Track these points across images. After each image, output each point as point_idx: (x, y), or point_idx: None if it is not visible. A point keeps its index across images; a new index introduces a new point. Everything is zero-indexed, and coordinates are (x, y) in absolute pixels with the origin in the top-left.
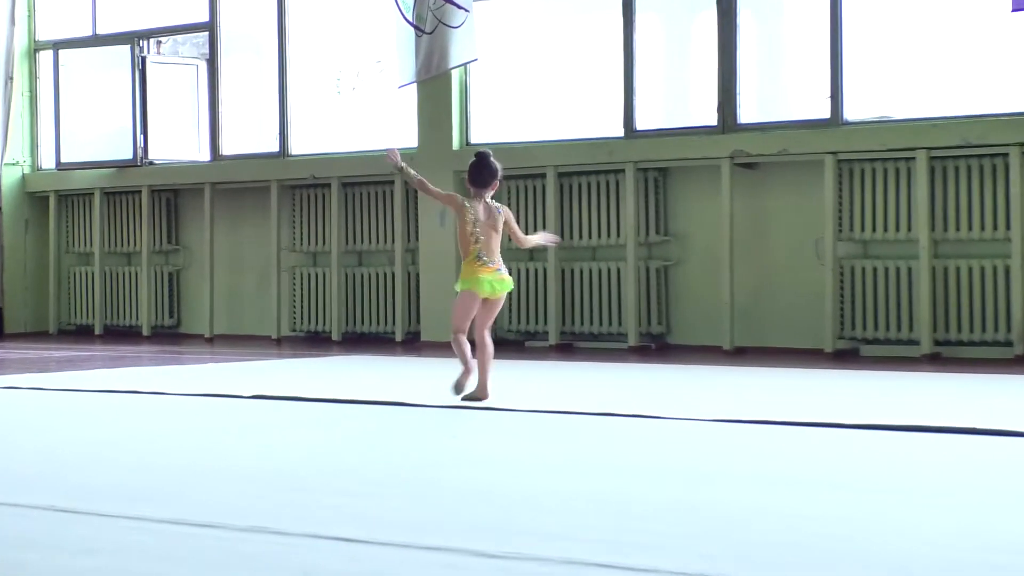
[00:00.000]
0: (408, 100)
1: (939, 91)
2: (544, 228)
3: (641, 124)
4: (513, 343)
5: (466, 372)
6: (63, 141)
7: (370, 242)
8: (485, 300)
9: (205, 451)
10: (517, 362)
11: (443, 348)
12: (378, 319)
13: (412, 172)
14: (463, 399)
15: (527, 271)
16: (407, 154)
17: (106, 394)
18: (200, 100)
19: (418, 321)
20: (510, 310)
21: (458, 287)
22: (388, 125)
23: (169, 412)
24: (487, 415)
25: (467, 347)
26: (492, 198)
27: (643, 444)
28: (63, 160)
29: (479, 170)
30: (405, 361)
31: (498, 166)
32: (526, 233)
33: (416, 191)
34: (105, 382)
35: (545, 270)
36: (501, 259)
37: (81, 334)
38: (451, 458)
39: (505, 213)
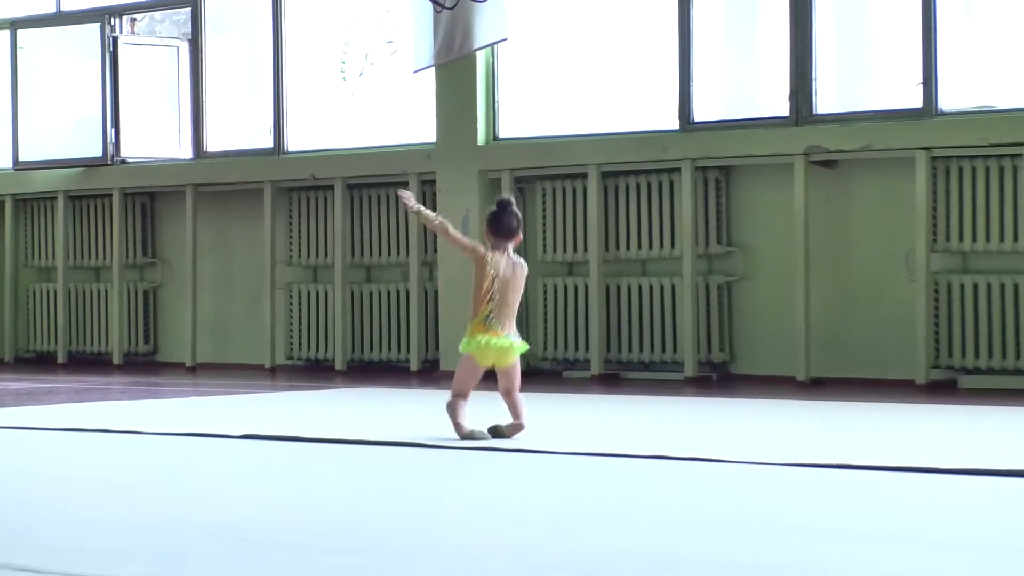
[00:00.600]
0: (425, 87)
1: None
2: (586, 235)
3: (700, 115)
4: (549, 373)
5: (458, 428)
6: (21, 136)
7: (380, 254)
8: (497, 366)
9: (188, 501)
10: (553, 396)
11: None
12: (390, 345)
13: (430, 214)
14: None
15: (565, 288)
16: (423, 150)
17: (71, 433)
18: (181, 88)
19: (437, 347)
20: (544, 334)
21: (461, 348)
22: (401, 117)
23: (145, 454)
24: (517, 458)
25: (463, 411)
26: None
27: (704, 493)
28: (21, 158)
29: (501, 219)
30: (421, 394)
31: (519, 214)
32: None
33: (428, 228)
34: (70, 419)
35: (587, 287)
36: (514, 323)
37: (42, 363)
38: (477, 511)
39: (525, 269)
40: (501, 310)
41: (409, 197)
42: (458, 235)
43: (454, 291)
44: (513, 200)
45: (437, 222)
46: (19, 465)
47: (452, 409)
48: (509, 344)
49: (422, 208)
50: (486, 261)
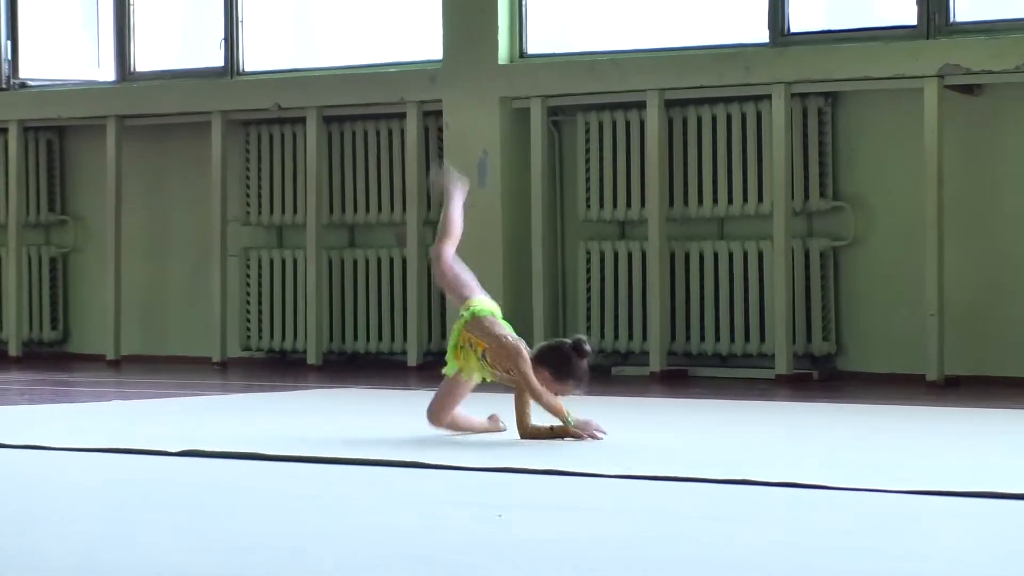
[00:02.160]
0: None
1: None
2: (643, 185)
3: (797, 24)
4: (594, 370)
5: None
6: None
7: (368, 210)
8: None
9: (110, 541)
10: (600, 400)
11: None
12: (380, 332)
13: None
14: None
15: (615, 256)
16: (426, 70)
17: None
18: None
19: (443, 335)
20: (587, 318)
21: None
22: (396, 24)
23: (52, 477)
24: (548, 482)
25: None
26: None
27: (804, 525)
28: None
29: (575, 363)
30: (421, 396)
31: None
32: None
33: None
34: None
35: (644, 254)
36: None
37: None
38: (500, 557)
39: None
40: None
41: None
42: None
43: (469, 257)
44: (586, 341)
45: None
46: None
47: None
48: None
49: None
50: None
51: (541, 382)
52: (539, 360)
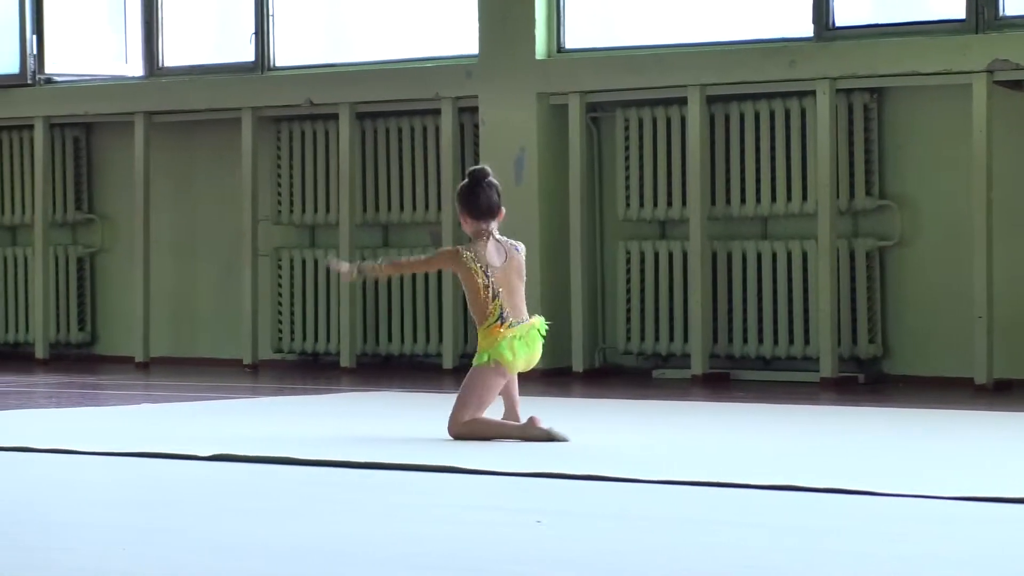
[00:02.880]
0: None
1: None
2: (684, 184)
3: (843, 18)
4: (633, 373)
5: (514, 426)
6: None
7: (402, 209)
8: (526, 366)
9: (138, 546)
10: (639, 403)
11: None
12: (415, 333)
13: (372, 264)
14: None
15: (655, 256)
16: (461, 65)
17: None
18: None
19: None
20: (627, 319)
21: (480, 360)
22: (431, 18)
23: (79, 481)
24: (586, 487)
25: (485, 423)
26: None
27: (851, 532)
28: None
29: (479, 194)
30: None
31: (499, 185)
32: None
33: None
34: None
35: (685, 254)
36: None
37: None
38: (541, 565)
39: (522, 250)
40: (513, 302)
41: (339, 265)
42: (416, 258)
43: None
44: (488, 169)
45: (386, 265)
46: None
47: (475, 428)
48: (540, 324)
49: (358, 264)
50: (463, 259)
51: (465, 223)
52: (460, 210)
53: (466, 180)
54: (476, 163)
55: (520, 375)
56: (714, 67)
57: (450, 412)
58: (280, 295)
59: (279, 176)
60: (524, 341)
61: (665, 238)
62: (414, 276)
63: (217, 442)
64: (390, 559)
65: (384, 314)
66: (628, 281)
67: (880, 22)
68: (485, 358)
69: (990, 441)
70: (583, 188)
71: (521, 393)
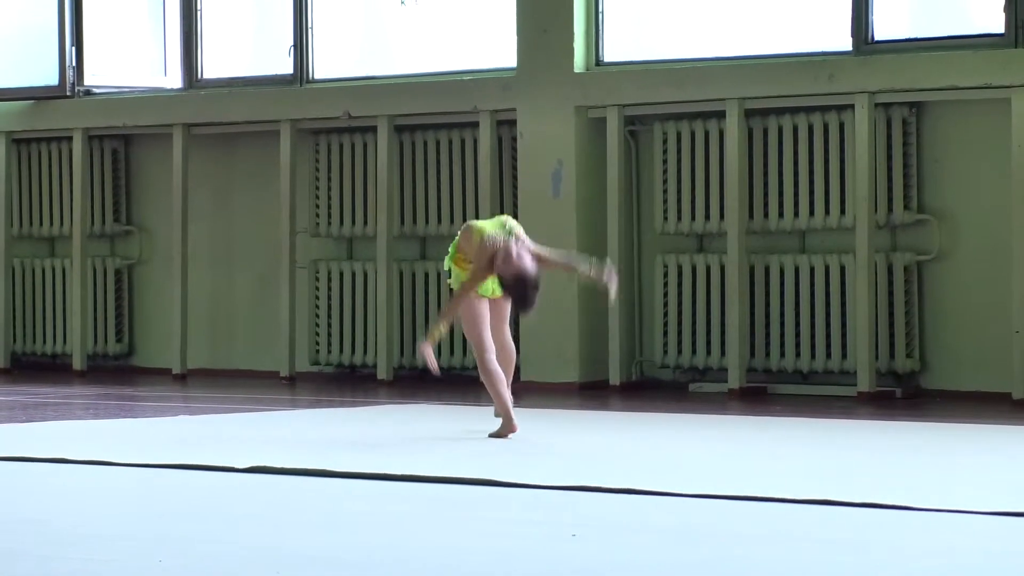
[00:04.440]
0: None
1: None
2: (723, 197)
3: (881, 32)
4: (670, 387)
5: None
6: None
7: (439, 221)
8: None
9: (176, 557)
10: (676, 417)
11: (555, 392)
12: (452, 346)
13: (434, 329)
14: (491, 436)
15: (693, 270)
16: (499, 78)
17: (16, 464)
18: None
19: (517, 349)
20: (664, 332)
21: (453, 283)
22: (469, 31)
23: (117, 494)
24: (621, 501)
25: (502, 380)
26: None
27: (888, 547)
28: None
29: (527, 296)
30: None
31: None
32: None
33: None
34: (14, 445)
35: (723, 268)
36: None
37: None
38: None
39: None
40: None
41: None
42: (454, 303)
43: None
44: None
45: (439, 323)
46: None
47: (492, 378)
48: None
49: (428, 342)
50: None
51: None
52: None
53: (526, 287)
54: (515, 176)
55: (555, 388)
56: (753, 81)
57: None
58: (317, 307)
59: (317, 188)
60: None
61: (703, 252)
62: (452, 288)
63: (254, 454)
64: (427, 571)
65: (421, 326)
66: (665, 295)
67: (919, 36)
68: (458, 278)
69: None
70: (621, 201)
71: (559, 407)
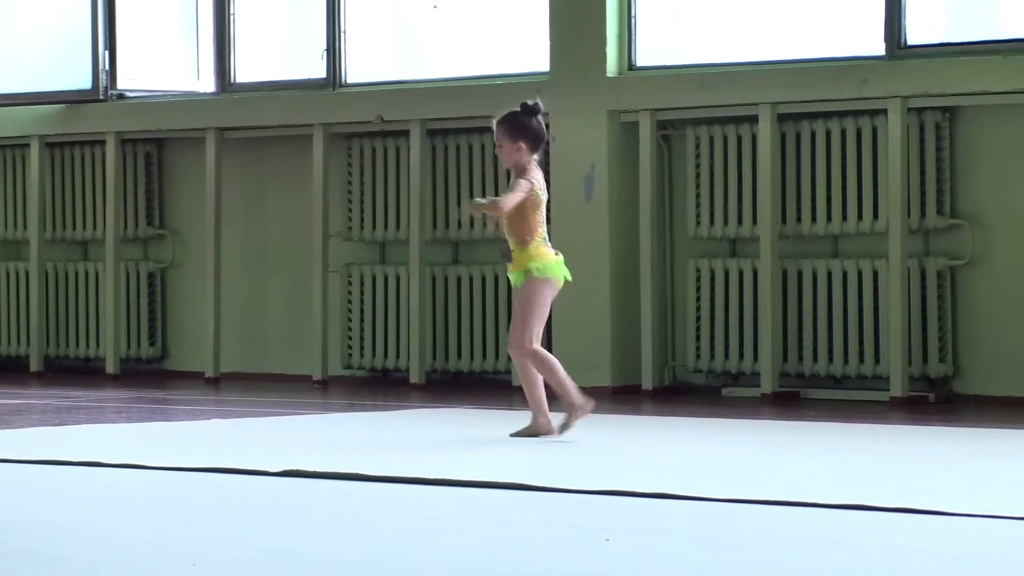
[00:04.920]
0: None
1: None
2: (755, 202)
3: (914, 37)
4: (703, 391)
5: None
6: None
7: (472, 226)
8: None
9: (208, 566)
10: (709, 421)
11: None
12: (484, 350)
13: (479, 202)
14: (513, 435)
15: (726, 274)
16: (532, 82)
17: (49, 467)
18: None
19: (549, 352)
20: (697, 337)
21: (539, 272)
22: (501, 35)
23: (149, 496)
24: (654, 506)
25: (555, 370)
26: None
27: (921, 552)
28: None
29: (532, 124)
30: (526, 417)
31: None
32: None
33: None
34: (47, 448)
35: (756, 272)
36: None
37: (8, 371)
38: None
39: None
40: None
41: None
42: (516, 193)
43: (574, 274)
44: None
45: (488, 203)
46: None
47: (543, 371)
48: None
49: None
50: (536, 188)
51: (523, 150)
52: (517, 137)
53: (520, 111)
54: (548, 181)
55: (587, 392)
56: (785, 85)
57: (512, 332)
58: (350, 311)
59: (350, 192)
60: (561, 268)
61: (735, 256)
62: (484, 292)
63: (287, 458)
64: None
65: (454, 331)
66: (698, 299)
67: (952, 41)
68: (546, 271)
69: None
70: (653, 206)
71: (592, 411)
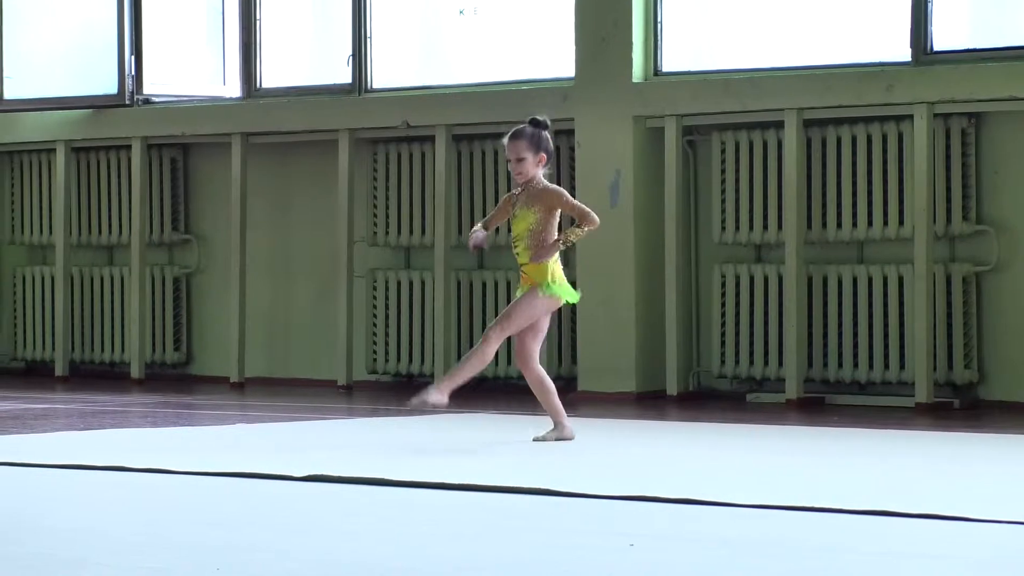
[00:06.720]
0: (561, 3)
1: None
2: (781, 207)
3: (940, 43)
4: (727, 397)
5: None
6: (6, 66)
7: (497, 231)
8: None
9: (233, 570)
10: (733, 427)
11: (612, 402)
12: (509, 356)
13: (580, 232)
14: (537, 439)
15: (751, 280)
16: (558, 88)
17: (74, 472)
18: (227, 2)
19: (573, 360)
20: (722, 342)
21: (557, 292)
22: (527, 41)
23: (175, 501)
24: (679, 511)
25: (547, 389)
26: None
27: (947, 558)
28: (6, 96)
29: (548, 139)
30: (550, 423)
31: None
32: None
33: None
34: (72, 452)
35: (781, 278)
36: None
37: (34, 375)
38: None
39: None
40: None
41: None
42: (584, 206)
43: (598, 283)
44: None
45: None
46: (2, 517)
47: (544, 385)
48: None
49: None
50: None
51: (543, 164)
52: (540, 152)
53: (540, 126)
54: (573, 186)
55: (612, 398)
56: (811, 91)
57: (498, 321)
58: (375, 316)
59: (375, 197)
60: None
61: (761, 262)
62: (508, 298)
63: (312, 462)
64: None
65: (478, 336)
66: (723, 304)
67: (978, 47)
68: (552, 290)
69: None
70: (679, 211)
71: (615, 416)
